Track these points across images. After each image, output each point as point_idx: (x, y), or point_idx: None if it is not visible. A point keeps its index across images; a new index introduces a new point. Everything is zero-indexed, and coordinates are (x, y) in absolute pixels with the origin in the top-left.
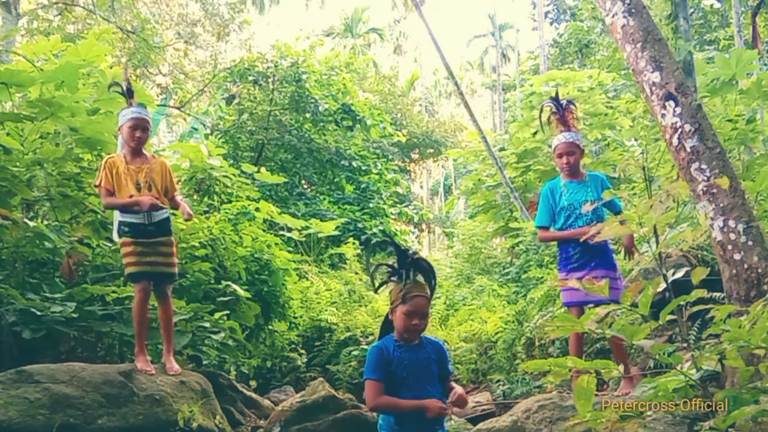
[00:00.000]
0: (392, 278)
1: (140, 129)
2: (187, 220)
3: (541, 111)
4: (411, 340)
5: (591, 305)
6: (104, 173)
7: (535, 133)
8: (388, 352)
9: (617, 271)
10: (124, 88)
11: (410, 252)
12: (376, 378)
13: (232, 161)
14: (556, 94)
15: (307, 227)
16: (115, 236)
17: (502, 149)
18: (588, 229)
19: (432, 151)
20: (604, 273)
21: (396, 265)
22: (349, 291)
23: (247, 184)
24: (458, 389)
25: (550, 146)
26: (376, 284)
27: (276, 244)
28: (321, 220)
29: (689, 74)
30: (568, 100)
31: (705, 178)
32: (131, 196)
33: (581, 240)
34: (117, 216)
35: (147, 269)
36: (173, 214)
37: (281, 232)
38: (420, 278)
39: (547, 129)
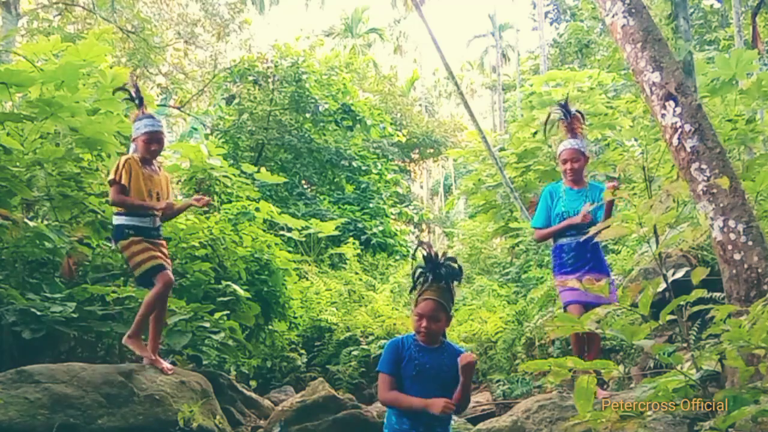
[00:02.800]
0: (420, 280)
1: (155, 142)
2: None
3: (549, 116)
4: (425, 341)
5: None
6: (124, 171)
7: (535, 133)
8: (403, 348)
9: (610, 275)
10: (133, 94)
11: (435, 257)
12: (387, 371)
13: (232, 161)
14: (566, 101)
15: (307, 227)
16: (114, 242)
17: (502, 149)
18: (585, 210)
19: (432, 151)
20: (597, 276)
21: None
22: (349, 291)
23: (247, 184)
24: (468, 354)
25: (550, 147)
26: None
27: (276, 244)
28: (321, 220)
29: (689, 74)
30: (577, 110)
31: (705, 178)
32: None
33: (574, 245)
34: (119, 220)
35: (165, 263)
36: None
37: (281, 232)
38: (440, 283)
39: (549, 131)
